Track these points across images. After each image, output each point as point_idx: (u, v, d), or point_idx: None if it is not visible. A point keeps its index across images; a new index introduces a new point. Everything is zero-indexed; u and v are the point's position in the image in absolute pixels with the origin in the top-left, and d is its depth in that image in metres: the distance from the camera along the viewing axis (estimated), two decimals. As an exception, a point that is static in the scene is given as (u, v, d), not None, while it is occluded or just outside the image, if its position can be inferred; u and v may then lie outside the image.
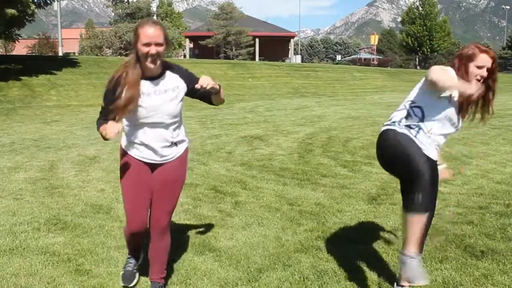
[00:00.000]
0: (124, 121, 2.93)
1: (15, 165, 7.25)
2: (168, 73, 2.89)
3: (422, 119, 2.89)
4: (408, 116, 2.93)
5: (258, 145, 8.90)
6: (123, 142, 3.04)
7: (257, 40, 48.43)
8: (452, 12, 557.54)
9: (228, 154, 8.05)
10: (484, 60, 2.81)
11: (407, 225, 2.79)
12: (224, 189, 5.81)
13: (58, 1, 29.26)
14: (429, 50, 58.61)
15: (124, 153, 3.03)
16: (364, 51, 74.82)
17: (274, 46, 51.61)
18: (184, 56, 52.03)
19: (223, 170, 6.85)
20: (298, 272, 3.48)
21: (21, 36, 23.84)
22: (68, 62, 22.83)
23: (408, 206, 2.79)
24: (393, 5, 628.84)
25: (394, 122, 2.97)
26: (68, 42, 48.65)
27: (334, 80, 31.03)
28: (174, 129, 2.98)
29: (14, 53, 40.63)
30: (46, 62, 22.23)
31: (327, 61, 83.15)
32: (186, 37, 52.19)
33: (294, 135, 10.14)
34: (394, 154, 2.89)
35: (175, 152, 3.02)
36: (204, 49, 47.21)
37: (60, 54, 33.66)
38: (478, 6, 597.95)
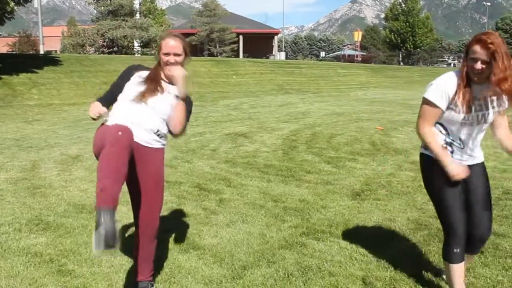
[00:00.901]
0: (115, 106, 2.97)
1: (-4, 165, 7.14)
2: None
3: (448, 134, 2.80)
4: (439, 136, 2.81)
5: (243, 142, 8.89)
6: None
7: (241, 37, 48.33)
8: (434, 8, 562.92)
9: (213, 152, 8.03)
10: (476, 51, 2.50)
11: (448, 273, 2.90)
12: (208, 187, 5.79)
13: (38, -2, 28.83)
14: (412, 46, 59.16)
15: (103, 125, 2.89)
16: (348, 47, 75.34)
17: (258, 43, 51.55)
18: (168, 53, 51.58)
19: (207, 168, 6.82)
20: (282, 268, 3.48)
21: (0, 34, 23.43)
22: (49, 60, 22.51)
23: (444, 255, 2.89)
24: (376, 2, 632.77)
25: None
26: (50, 40, 47.92)
27: (318, 76, 31.14)
28: (162, 122, 3.00)
29: (-6, 51, 39.94)
30: (27, 61, 21.89)
31: (311, 57, 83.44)
32: (169, 34, 51.81)
33: (279, 132, 10.15)
34: (427, 190, 2.95)
35: (154, 143, 2.99)
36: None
37: (42, 52, 33.18)
38: (459, 3, 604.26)
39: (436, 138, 2.76)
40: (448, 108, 2.71)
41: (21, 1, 19.83)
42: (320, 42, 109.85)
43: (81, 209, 4.91)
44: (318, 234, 4.16)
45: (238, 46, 47.99)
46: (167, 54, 2.98)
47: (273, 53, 52.72)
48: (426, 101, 2.74)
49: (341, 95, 22.88)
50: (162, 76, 3.05)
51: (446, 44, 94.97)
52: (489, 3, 78.15)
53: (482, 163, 2.92)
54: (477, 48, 2.50)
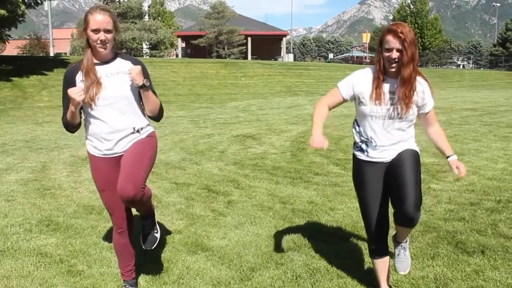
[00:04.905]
0: (84, 116, 2.89)
1: (7, 166, 7.21)
2: (119, 59, 2.90)
3: (362, 132, 2.88)
4: (355, 134, 2.93)
5: (251, 144, 8.90)
6: (87, 142, 2.98)
7: (249, 39, 48.37)
8: (443, 9, 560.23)
9: (221, 153, 8.04)
10: (390, 41, 2.58)
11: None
12: (216, 189, 5.81)
13: (49, 1, 29.07)
14: (420, 47, 58.73)
15: (89, 155, 2.97)
16: (356, 49, 75.02)
17: (267, 45, 51.61)
18: (177, 55, 51.88)
19: (216, 170, 6.84)
20: (290, 270, 3.49)
21: (11, 37, 23.66)
22: (59, 62, 22.68)
23: None
24: (384, 3, 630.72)
25: (354, 143, 2.98)
26: (60, 42, 48.38)
27: (326, 78, 31.07)
28: (135, 115, 2.89)
29: (4, 53, 40.29)
30: (37, 63, 22.08)
31: (319, 59, 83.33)
32: (178, 36, 52.06)
33: (287, 133, 10.15)
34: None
35: (138, 136, 2.92)
36: (197, 49, 47.10)
37: (52, 54, 33.47)
38: (469, 4, 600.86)
39: (321, 115, 3.05)
40: (359, 102, 2.82)
41: (32, 4, 20.04)
42: (328, 44, 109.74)
43: (91, 210, 4.95)
44: (326, 236, 4.16)
45: (247, 48, 48.03)
46: (96, 30, 2.69)
47: (281, 55, 52.69)
48: (336, 85, 2.91)
49: (350, 97, 22.81)
50: (94, 59, 2.79)
51: (455, 46, 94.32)
52: (498, 4, 77.76)
53: (411, 149, 2.79)
54: (390, 38, 2.59)
